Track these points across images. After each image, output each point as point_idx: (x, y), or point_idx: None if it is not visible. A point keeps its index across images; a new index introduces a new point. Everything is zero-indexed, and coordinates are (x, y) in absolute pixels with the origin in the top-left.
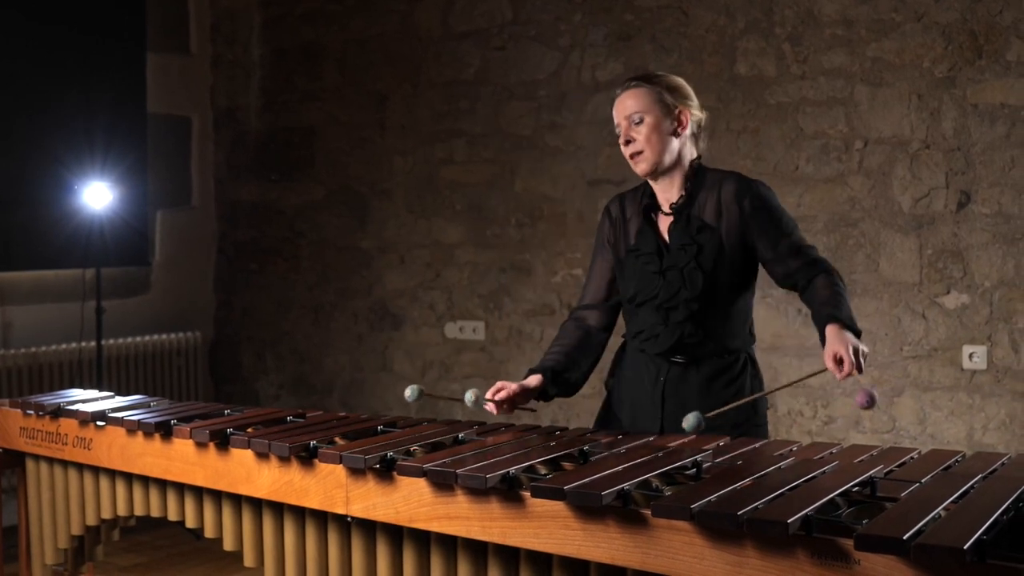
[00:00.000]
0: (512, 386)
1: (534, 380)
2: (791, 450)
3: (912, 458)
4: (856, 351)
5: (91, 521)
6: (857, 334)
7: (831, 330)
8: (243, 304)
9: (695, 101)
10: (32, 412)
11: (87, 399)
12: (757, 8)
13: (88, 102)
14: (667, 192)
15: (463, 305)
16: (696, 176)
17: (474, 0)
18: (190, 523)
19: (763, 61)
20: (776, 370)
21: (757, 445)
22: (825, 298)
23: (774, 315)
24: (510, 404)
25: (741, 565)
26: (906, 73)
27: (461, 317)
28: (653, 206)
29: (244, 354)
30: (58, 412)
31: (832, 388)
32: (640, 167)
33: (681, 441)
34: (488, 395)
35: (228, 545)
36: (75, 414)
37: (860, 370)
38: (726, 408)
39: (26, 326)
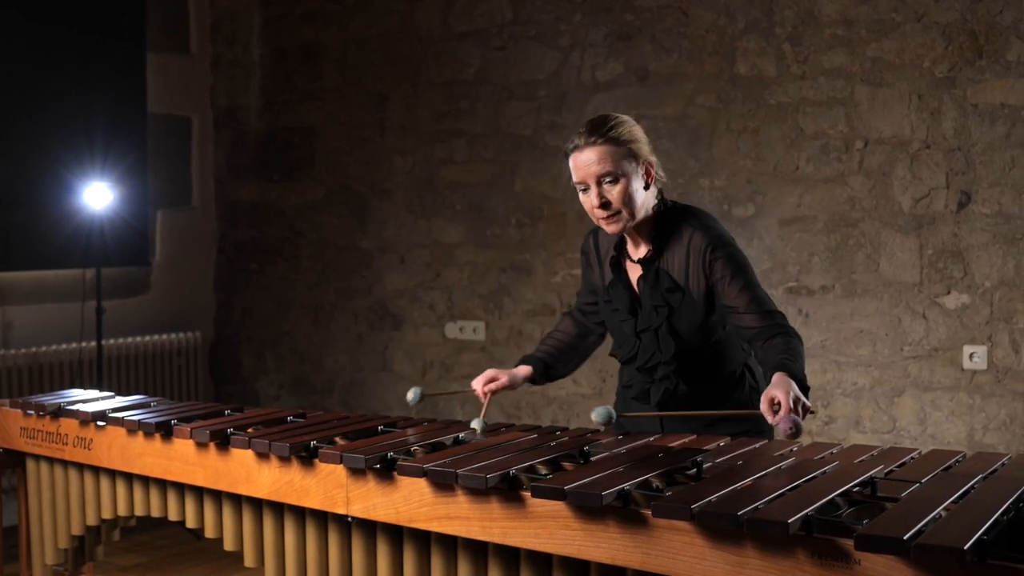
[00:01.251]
0: (503, 379)
1: (524, 371)
2: (791, 450)
3: (912, 458)
4: (796, 401)
5: (91, 521)
6: (805, 390)
7: (778, 376)
8: (243, 304)
9: (648, 143)
10: (32, 412)
11: (87, 399)
12: (757, 8)
13: (88, 102)
14: (635, 240)
15: (463, 305)
16: (661, 223)
17: (474, 0)
18: (190, 523)
19: (763, 61)
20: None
21: (757, 445)
22: (780, 351)
23: None
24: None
25: (741, 565)
26: (906, 73)
27: (461, 317)
28: (621, 255)
29: (244, 354)
30: (58, 412)
31: (833, 388)
32: (613, 228)
33: (682, 442)
34: (480, 385)
35: (228, 545)
36: (75, 414)
37: (797, 425)
38: (639, 415)
39: (26, 326)
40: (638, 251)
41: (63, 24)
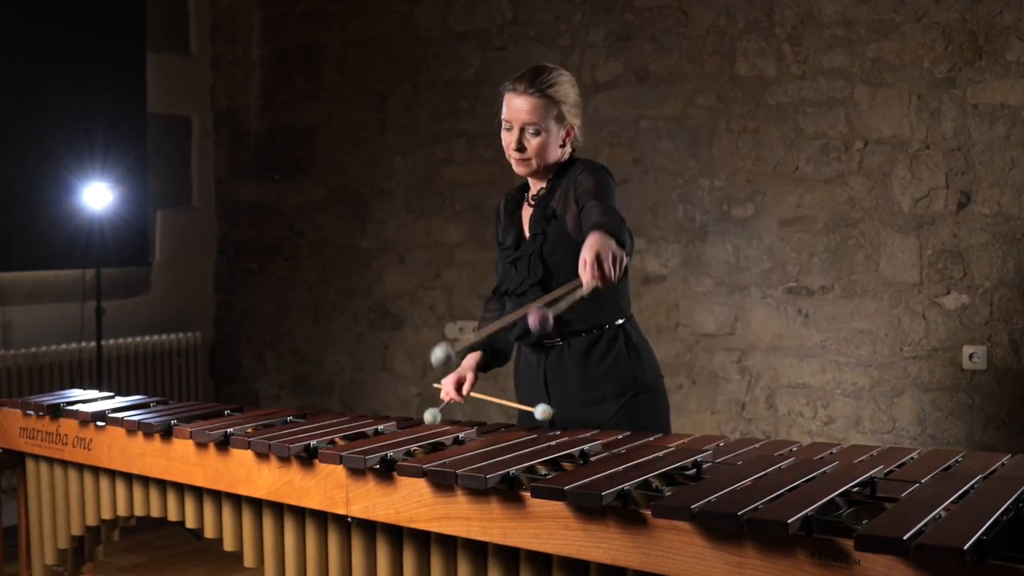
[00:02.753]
0: (469, 375)
1: (473, 359)
2: (791, 450)
3: (912, 458)
4: (613, 256)
5: (91, 521)
6: (621, 244)
7: (591, 236)
8: (243, 304)
9: (578, 103)
10: (32, 412)
11: (87, 399)
12: (757, 8)
13: (88, 102)
14: (538, 185)
15: (463, 305)
16: (562, 168)
17: (474, 0)
18: (190, 523)
19: (763, 61)
20: (776, 369)
21: (757, 446)
22: (597, 214)
23: (774, 315)
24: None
25: (741, 565)
26: (906, 73)
27: (461, 317)
28: (521, 200)
29: (244, 354)
30: (58, 412)
31: (833, 388)
32: (521, 169)
33: (681, 441)
34: (449, 392)
35: (228, 545)
36: (75, 414)
37: (611, 277)
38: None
39: (26, 326)
40: (535, 192)
41: (63, 24)
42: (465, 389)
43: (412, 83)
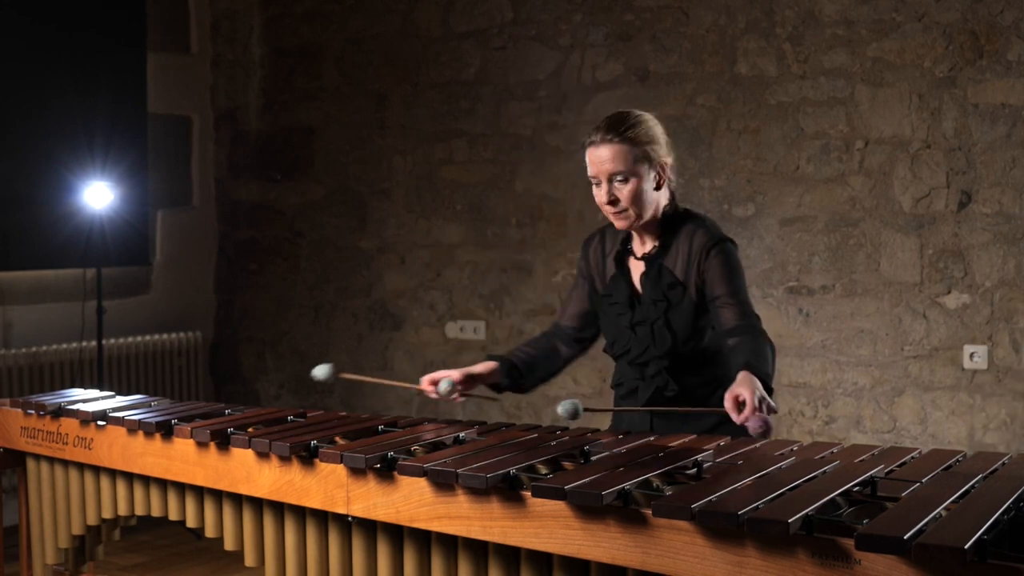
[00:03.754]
0: (455, 376)
1: (483, 367)
2: (792, 450)
3: (913, 458)
4: (761, 400)
5: (92, 521)
6: (769, 391)
7: (742, 375)
8: (243, 304)
9: (667, 143)
10: (33, 412)
11: (88, 399)
12: (757, 8)
13: (88, 102)
14: (643, 238)
15: (463, 305)
16: (669, 222)
17: (474, 0)
18: (191, 523)
19: (764, 61)
20: (777, 370)
21: (757, 445)
22: (748, 350)
23: (775, 315)
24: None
25: (742, 565)
26: (907, 73)
27: (462, 317)
28: (626, 252)
29: (244, 354)
30: (59, 412)
31: (833, 388)
32: (621, 224)
33: (682, 441)
34: (426, 383)
35: (229, 545)
36: (76, 414)
37: (767, 424)
38: (603, 410)
39: (27, 326)
40: (643, 248)
41: (63, 24)
42: (458, 393)
43: (412, 83)
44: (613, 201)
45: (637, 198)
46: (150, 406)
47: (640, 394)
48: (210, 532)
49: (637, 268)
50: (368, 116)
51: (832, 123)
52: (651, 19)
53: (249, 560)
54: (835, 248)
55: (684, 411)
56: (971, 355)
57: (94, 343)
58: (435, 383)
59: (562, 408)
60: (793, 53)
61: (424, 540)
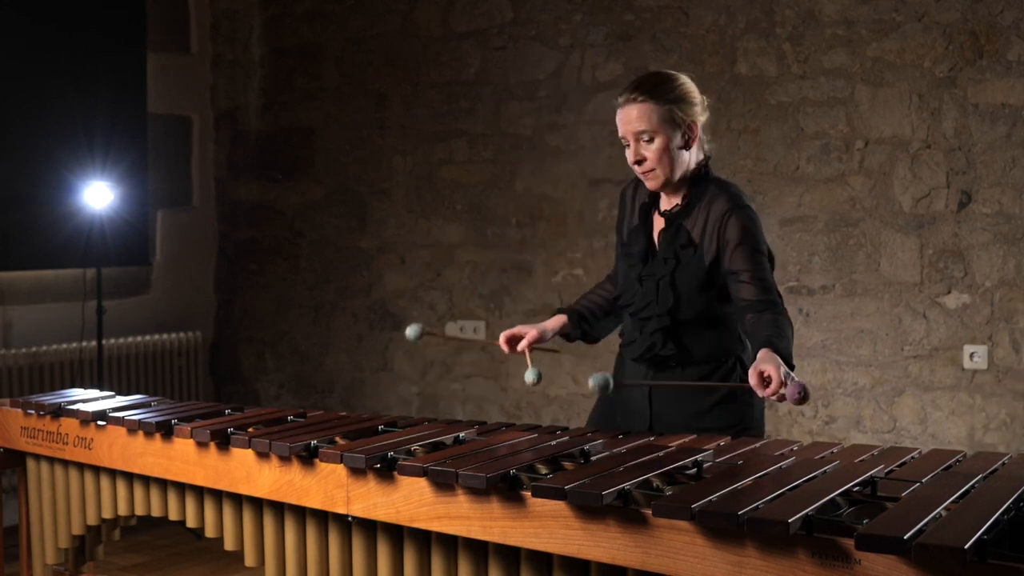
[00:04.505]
0: (531, 333)
1: (556, 322)
2: (792, 450)
3: (913, 458)
4: (786, 376)
5: (92, 521)
6: (791, 367)
7: (764, 352)
8: (243, 304)
9: (701, 103)
10: (33, 412)
11: (88, 399)
12: (757, 8)
13: (88, 102)
14: (670, 195)
15: (464, 305)
16: (697, 183)
17: (474, 0)
18: (191, 523)
19: (764, 61)
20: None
21: (757, 445)
22: (769, 327)
23: None
24: (528, 346)
25: (742, 565)
26: (907, 73)
27: (462, 317)
28: (653, 205)
29: (244, 354)
30: (59, 412)
31: (833, 388)
32: (652, 184)
33: (681, 441)
34: (505, 344)
35: (229, 545)
36: (76, 414)
37: (804, 389)
38: (636, 383)
39: (27, 326)
40: (668, 204)
41: (63, 24)
42: (523, 345)
43: (412, 83)
44: (640, 160)
45: (664, 157)
46: (150, 406)
47: (636, 347)
48: (210, 532)
49: (659, 223)
50: (368, 116)
51: (832, 123)
52: (651, 19)
53: (249, 560)
54: (835, 248)
55: (708, 385)
56: (971, 355)
57: (94, 343)
58: (512, 339)
59: (593, 380)
60: (793, 53)
61: (424, 540)
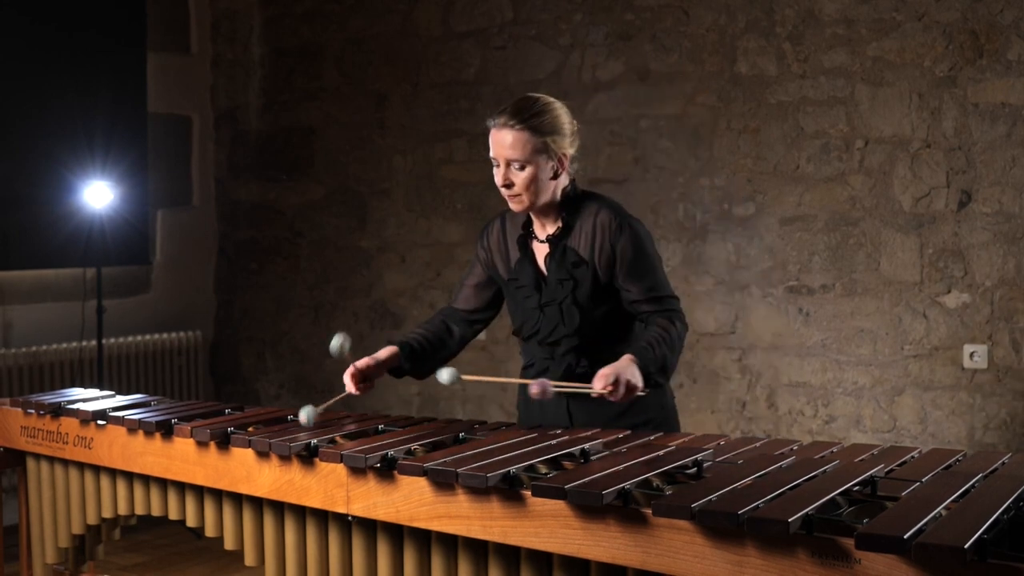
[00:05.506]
0: (360, 363)
1: (386, 352)
2: (792, 449)
3: (913, 457)
4: (628, 385)
5: (92, 520)
6: (647, 380)
7: (626, 358)
8: (243, 304)
9: (572, 134)
10: (33, 411)
11: (88, 398)
12: (758, 7)
13: (89, 102)
14: (544, 221)
15: None
16: (570, 204)
17: (474, 0)
18: (191, 522)
19: (764, 60)
20: (776, 368)
21: (757, 445)
22: (649, 337)
23: (775, 314)
24: (367, 382)
25: (742, 564)
26: (907, 72)
27: None
28: (528, 235)
29: (244, 354)
30: (59, 411)
31: (833, 388)
32: (516, 206)
33: (681, 441)
34: (348, 383)
35: (229, 544)
36: (76, 413)
37: (619, 399)
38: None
39: (27, 325)
40: (545, 230)
41: (63, 24)
42: (352, 379)
43: (412, 83)
44: (508, 184)
45: (532, 185)
46: (150, 406)
47: (551, 373)
48: (210, 531)
49: (541, 250)
50: (368, 116)
51: (832, 122)
52: (651, 18)
53: (249, 559)
54: (835, 247)
55: (571, 387)
56: (971, 354)
57: (94, 343)
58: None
59: (446, 375)
60: (793, 52)
61: (424, 540)
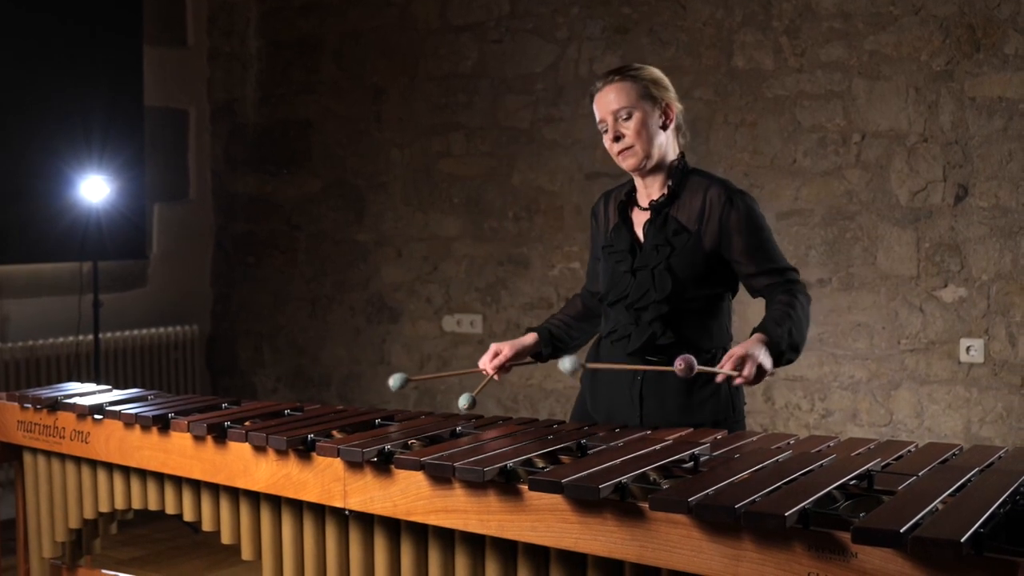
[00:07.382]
0: (506, 350)
1: (529, 339)
2: (788, 443)
3: (909, 451)
4: (759, 368)
5: (89, 514)
6: (779, 358)
7: (754, 337)
8: (240, 297)
9: (674, 92)
10: (30, 405)
11: (84, 392)
12: (755, 1)
13: (85, 95)
14: (649, 188)
15: (461, 298)
16: (680, 175)
17: None
18: (188, 516)
19: (760, 54)
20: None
21: (754, 438)
22: (774, 314)
23: None
24: (505, 366)
25: (738, 558)
26: (904, 66)
27: (459, 310)
28: (630, 202)
29: (241, 347)
30: (55, 405)
31: (830, 382)
32: (629, 162)
33: (678, 435)
34: (485, 363)
35: (226, 538)
36: (73, 407)
37: (750, 382)
38: (602, 367)
39: (23, 319)
40: (649, 196)
41: (59, 17)
42: (495, 362)
43: (409, 76)
44: (619, 137)
45: (640, 134)
46: (147, 400)
47: (633, 340)
48: (207, 526)
49: (640, 218)
50: (365, 109)
51: (829, 116)
52: (648, 12)
53: (246, 554)
54: (832, 241)
55: (656, 368)
56: (967, 349)
57: (91, 337)
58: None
59: (568, 363)
60: (790, 46)
61: (421, 534)
